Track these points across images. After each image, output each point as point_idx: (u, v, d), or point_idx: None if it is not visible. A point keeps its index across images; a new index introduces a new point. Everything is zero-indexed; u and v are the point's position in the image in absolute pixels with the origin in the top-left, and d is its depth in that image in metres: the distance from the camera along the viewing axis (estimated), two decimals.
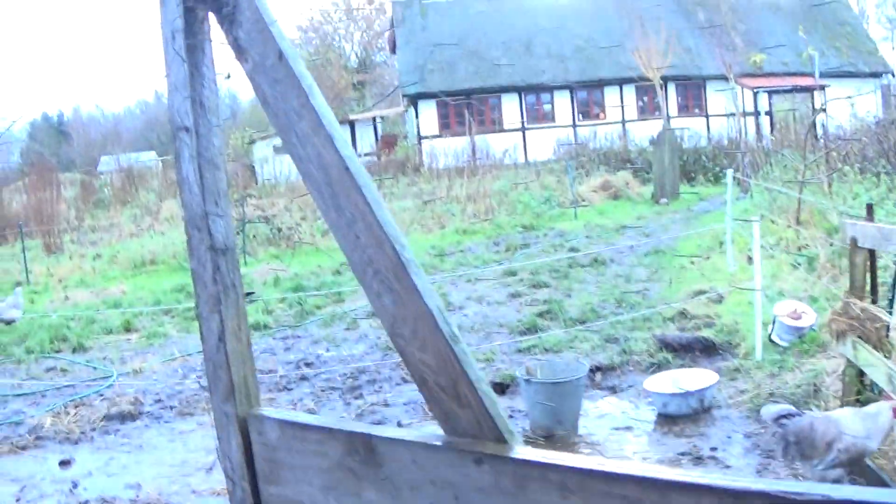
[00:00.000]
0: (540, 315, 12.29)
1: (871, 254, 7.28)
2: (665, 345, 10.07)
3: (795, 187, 16.15)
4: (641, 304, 12.65)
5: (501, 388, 9.18)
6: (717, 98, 39.89)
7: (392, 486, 1.98)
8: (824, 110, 37.76)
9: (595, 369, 9.54)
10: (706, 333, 10.41)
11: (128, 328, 14.34)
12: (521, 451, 1.81)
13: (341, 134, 2.03)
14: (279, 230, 22.07)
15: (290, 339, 12.63)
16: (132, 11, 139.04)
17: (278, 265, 18.80)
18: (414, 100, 39.44)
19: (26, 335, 14.25)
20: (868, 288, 7.24)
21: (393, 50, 50.41)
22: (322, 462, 2.13)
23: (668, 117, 38.47)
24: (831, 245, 12.32)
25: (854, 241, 7.12)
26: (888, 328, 6.83)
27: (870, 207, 7.55)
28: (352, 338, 12.32)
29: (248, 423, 2.30)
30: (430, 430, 2.23)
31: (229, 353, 2.24)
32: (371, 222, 1.95)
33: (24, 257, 22.09)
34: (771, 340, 9.67)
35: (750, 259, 14.57)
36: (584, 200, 25.23)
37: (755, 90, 35.02)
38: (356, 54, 68.08)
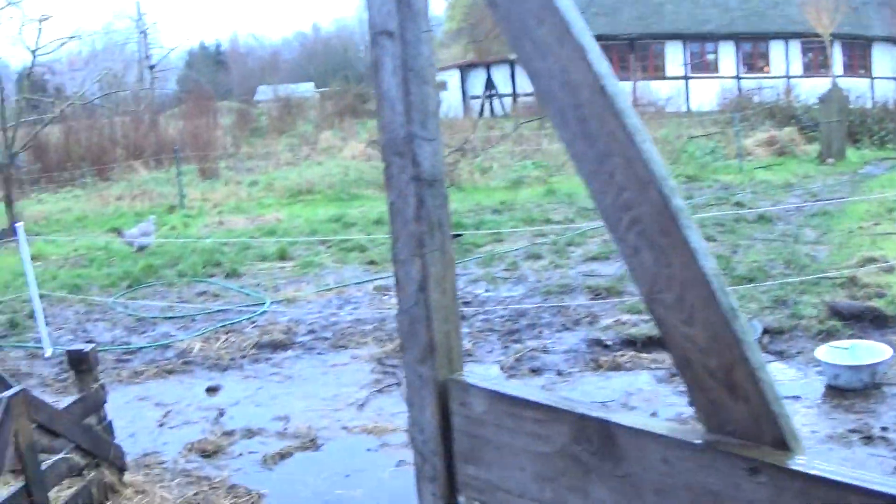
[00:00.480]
0: None
1: None
2: (835, 312, 9.50)
3: None
4: (810, 267, 12.00)
5: (664, 342, 8.73)
6: (883, 60, 38.25)
7: (631, 486, 1.61)
8: None
9: (763, 332, 9.04)
10: (877, 304, 9.74)
11: (282, 256, 14.33)
12: (811, 464, 1.40)
13: (594, 45, 1.63)
14: None
15: None
16: None
17: None
18: None
19: (179, 258, 14.35)
20: None
21: None
22: (540, 446, 1.76)
23: (835, 76, 37.11)
24: None
25: None
26: None
27: None
28: (511, 279, 11.99)
29: (447, 390, 1.93)
30: (686, 426, 1.82)
31: (431, 305, 1.88)
32: (632, 157, 1.55)
33: (180, 181, 22.40)
34: None
35: None
36: (749, 154, 24.34)
37: None
38: None
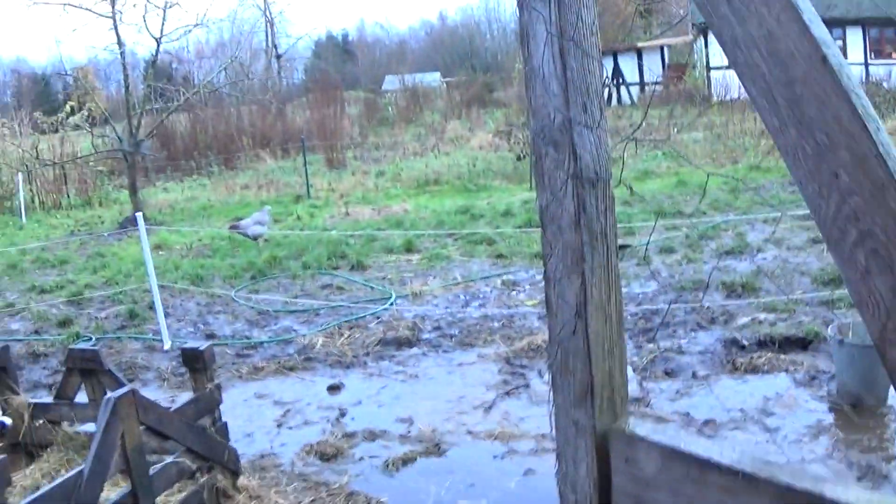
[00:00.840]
0: None
1: None
2: None
3: None
4: None
5: (804, 343, 8.26)
6: None
7: None
8: None
9: None
10: None
11: (409, 248, 14.04)
12: None
13: (811, 7, 1.23)
14: None
15: None
16: None
17: None
18: (703, 29, 37.66)
19: (304, 249, 14.20)
20: None
21: None
22: None
23: None
24: None
25: None
26: None
27: None
28: (643, 274, 11.48)
29: (608, 442, 1.50)
30: None
31: (591, 335, 1.45)
32: (864, 153, 1.14)
33: (306, 171, 22.38)
34: None
35: None
36: None
37: None
38: None
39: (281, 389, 8.30)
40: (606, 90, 41.70)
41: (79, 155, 25.77)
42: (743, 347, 8.35)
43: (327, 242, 14.42)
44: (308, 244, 14.52)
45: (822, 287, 10.11)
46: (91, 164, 25.66)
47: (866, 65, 36.60)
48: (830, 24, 36.42)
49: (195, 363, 5.40)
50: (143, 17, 26.99)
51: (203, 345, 5.49)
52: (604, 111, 1.53)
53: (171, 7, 21.46)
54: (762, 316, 9.20)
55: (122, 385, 5.03)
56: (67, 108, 25.76)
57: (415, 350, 9.20)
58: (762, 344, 8.31)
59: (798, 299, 9.64)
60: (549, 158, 1.51)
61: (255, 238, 14.94)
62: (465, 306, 10.75)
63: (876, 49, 37.29)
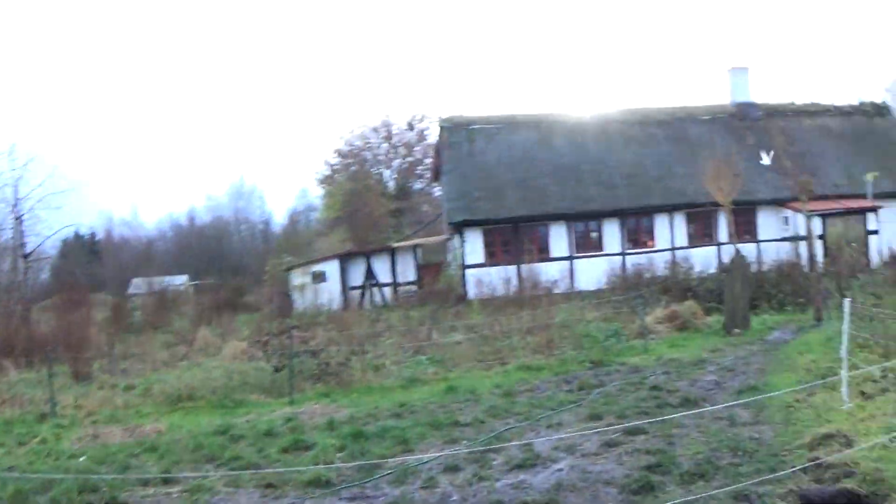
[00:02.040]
0: (648, 468, 10.56)
1: None
2: (808, 501, 8.76)
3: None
4: (760, 452, 11.01)
5: None
6: (767, 223, 39.60)
7: None
8: (876, 232, 37.16)
9: None
10: (849, 484, 8.97)
11: (167, 479, 12.26)
12: None
13: None
14: (327, 364, 20.31)
15: (359, 502, 10.59)
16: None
17: (330, 405, 17.05)
18: (459, 227, 38.16)
19: (50, 483, 12.30)
20: None
21: (435, 177, 49.64)
22: None
23: (721, 243, 37.50)
24: None
25: None
26: None
27: None
28: (432, 500, 10.34)
29: None
30: None
31: None
32: None
33: (51, 385, 20.39)
34: None
35: (863, 394, 13.10)
36: (651, 333, 23.47)
37: (807, 214, 33.53)
38: (395, 181, 67.34)
39: None
40: (360, 292, 41.55)
41: None
42: None
43: (76, 473, 12.60)
44: (54, 476, 12.63)
45: (631, 497, 9.54)
46: None
47: (623, 254, 37.90)
48: (587, 217, 37.74)
49: None
50: None
51: None
52: None
53: None
54: None
55: None
56: None
57: None
58: None
59: None
60: None
61: None
62: None
63: (633, 238, 38.73)
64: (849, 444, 10.46)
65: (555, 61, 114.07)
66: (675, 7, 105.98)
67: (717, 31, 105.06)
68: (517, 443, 12.37)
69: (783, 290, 29.99)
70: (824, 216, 37.18)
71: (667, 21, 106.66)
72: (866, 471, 9.28)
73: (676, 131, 41.89)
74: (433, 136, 54.83)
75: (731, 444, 11.42)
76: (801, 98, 46.33)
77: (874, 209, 38.21)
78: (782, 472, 9.63)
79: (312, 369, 20.32)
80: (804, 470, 9.69)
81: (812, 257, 28.18)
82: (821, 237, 36.70)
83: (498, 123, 41.77)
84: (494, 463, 11.54)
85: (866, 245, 38.06)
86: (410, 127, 67.62)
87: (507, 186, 38.71)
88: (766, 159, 40.64)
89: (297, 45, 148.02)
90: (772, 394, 13.80)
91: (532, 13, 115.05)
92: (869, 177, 36.55)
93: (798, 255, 35.71)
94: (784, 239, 38.37)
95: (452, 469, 11.35)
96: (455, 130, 41.79)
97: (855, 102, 46.27)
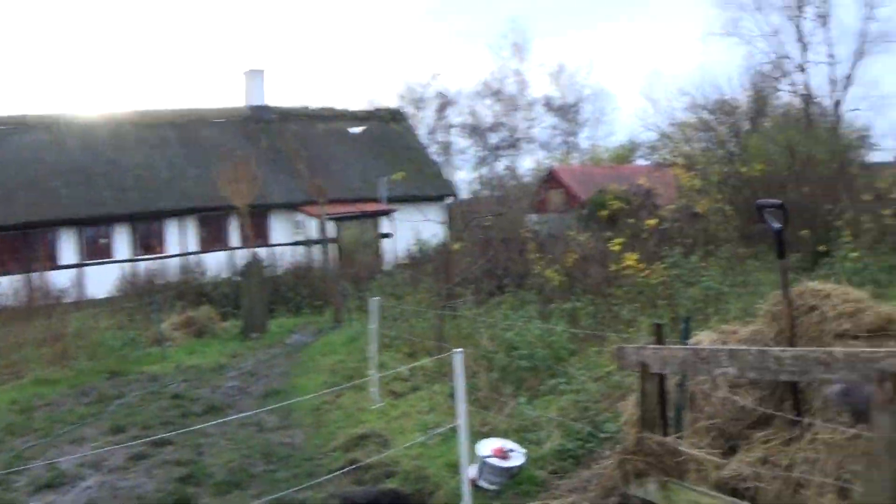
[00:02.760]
0: (181, 480, 9.75)
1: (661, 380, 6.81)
2: None
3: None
4: (296, 457, 10.52)
5: None
6: (279, 226, 39.50)
7: None
8: (390, 235, 38.47)
9: None
10: (392, 484, 8.93)
11: None
12: None
13: None
14: None
15: None
16: None
17: None
18: None
19: None
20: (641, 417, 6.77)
21: None
22: None
23: (235, 247, 37.02)
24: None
25: (645, 366, 6.62)
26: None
27: (659, 327, 7.16)
28: None
29: None
30: None
31: None
32: None
33: None
34: (476, 486, 8.41)
35: (394, 393, 13.06)
36: (168, 340, 22.33)
37: (322, 217, 33.96)
38: None
39: None
40: None
41: None
42: None
43: None
44: None
45: None
46: None
47: (135, 260, 36.24)
48: (99, 222, 35.70)
49: None
50: None
51: None
52: None
53: None
54: None
55: None
56: None
57: None
58: None
59: None
60: None
61: None
62: None
63: (144, 244, 37.15)
64: (386, 444, 10.42)
65: (68, 60, 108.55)
66: (190, 7, 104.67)
67: (234, 34, 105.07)
68: (41, 462, 10.95)
69: (300, 293, 30.03)
70: (339, 219, 37.69)
71: (182, 22, 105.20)
72: (408, 469, 9.23)
73: (189, 134, 40.70)
74: None
75: (262, 451, 10.91)
76: (317, 102, 47.06)
77: (388, 212, 39.33)
78: (322, 477, 9.23)
79: None
80: (344, 472, 9.41)
81: (328, 260, 28.45)
82: (335, 240, 37.24)
83: (8, 125, 38.52)
84: (18, 485, 10.12)
85: (381, 247, 39.17)
86: None
87: (18, 191, 35.69)
88: (357, 130, 41.19)
89: None
90: (300, 398, 13.36)
91: (35, 9, 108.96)
92: (396, 177, 37.56)
93: (312, 258, 35.99)
94: (298, 242, 38.45)
95: None
96: None
97: (371, 108, 47.75)
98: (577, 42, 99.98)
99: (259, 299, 24.07)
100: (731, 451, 6.83)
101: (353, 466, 9.46)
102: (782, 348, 6.26)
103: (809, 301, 7.14)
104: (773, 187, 23.12)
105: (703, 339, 8.04)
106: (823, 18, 45.65)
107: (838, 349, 5.45)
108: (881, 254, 16.39)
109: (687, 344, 7.42)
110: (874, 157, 36.20)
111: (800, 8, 45.92)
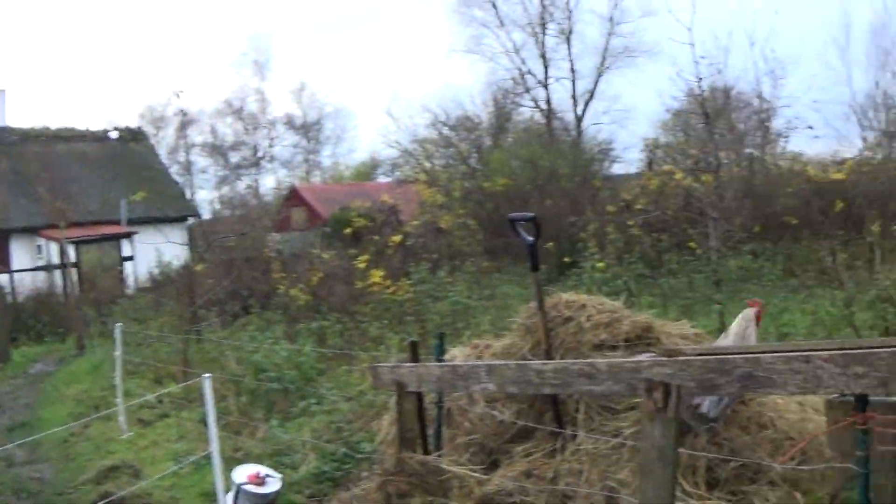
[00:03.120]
0: None
1: (419, 398, 6.84)
2: None
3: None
4: (46, 492, 10.49)
5: None
6: (21, 251, 37.98)
7: None
8: (132, 258, 37.62)
9: None
10: None
11: None
12: None
13: None
14: None
15: None
16: None
17: None
18: None
19: None
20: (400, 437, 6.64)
21: None
22: None
23: None
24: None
25: (401, 385, 6.53)
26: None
27: (414, 345, 7.06)
28: None
29: None
30: None
31: None
32: None
33: None
34: None
35: (142, 422, 13.04)
36: None
37: (62, 241, 33.10)
38: None
39: None
40: None
41: None
42: None
43: None
44: None
45: None
46: None
47: None
48: None
49: None
50: None
51: None
52: None
53: None
54: None
55: None
56: None
57: None
58: None
59: None
60: None
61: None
62: None
63: None
64: (137, 474, 10.32)
65: None
66: None
67: None
68: None
69: (42, 320, 29.05)
70: (79, 243, 36.60)
71: None
72: (162, 501, 9.25)
73: None
74: None
75: (13, 487, 10.74)
76: (56, 123, 45.36)
77: (129, 235, 38.55)
78: None
79: None
80: None
81: (68, 285, 27.77)
82: (76, 265, 36.23)
83: None
84: None
85: (123, 271, 38.32)
86: None
87: None
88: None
89: None
90: (47, 431, 13.16)
91: None
92: (136, 197, 36.60)
93: (54, 283, 34.88)
94: (39, 268, 37.14)
95: None
96: None
97: (110, 128, 46.63)
98: (318, 60, 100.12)
99: (1, 328, 23.35)
100: (493, 466, 6.94)
101: (105, 500, 9.43)
102: (543, 361, 6.37)
103: (564, 312, 7.27)
104: (517, 201, 24.04)
105: (458, 354, 8.24)
106: (566, 35, 47.20)
107: (601, 360, 5.58)
108: (629, 263, 16.92)
109: (442, 360, 7.43)
110: (617, 169, 37.65)
111: (543, 25, 47.23)
